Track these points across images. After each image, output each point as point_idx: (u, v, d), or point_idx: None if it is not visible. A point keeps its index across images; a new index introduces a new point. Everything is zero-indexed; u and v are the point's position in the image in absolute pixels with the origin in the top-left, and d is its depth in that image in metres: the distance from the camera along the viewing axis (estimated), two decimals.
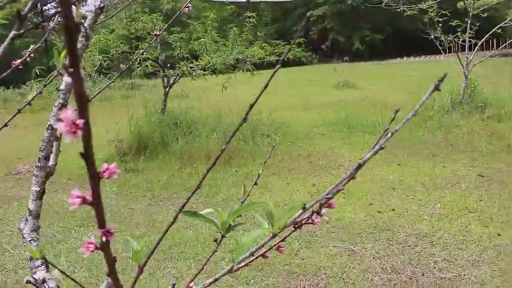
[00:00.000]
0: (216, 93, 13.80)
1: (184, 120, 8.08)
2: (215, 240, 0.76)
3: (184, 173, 6.28)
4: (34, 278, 0.97)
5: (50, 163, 1.09)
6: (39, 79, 6.63)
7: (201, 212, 0.73)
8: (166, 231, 0.65)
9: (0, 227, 4.74)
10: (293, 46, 8.32)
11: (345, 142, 7.21)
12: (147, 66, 7.07)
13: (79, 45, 1.00)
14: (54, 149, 1.10)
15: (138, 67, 7.17)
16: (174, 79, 7.97)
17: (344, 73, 15.76)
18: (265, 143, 7.51)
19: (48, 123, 1.10)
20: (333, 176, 5.64)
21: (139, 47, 7.27)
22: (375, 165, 5.87)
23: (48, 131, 1.09)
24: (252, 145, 7.30)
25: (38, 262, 1.00)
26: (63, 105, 1.05)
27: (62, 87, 1.07)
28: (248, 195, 0.91)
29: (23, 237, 1.05)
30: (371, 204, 4.57)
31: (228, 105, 11.16)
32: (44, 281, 0.97)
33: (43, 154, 1.08)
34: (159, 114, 8.04)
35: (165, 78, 8.06)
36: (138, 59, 7.24)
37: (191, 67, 7.05)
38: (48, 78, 1.19)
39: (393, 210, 4.36)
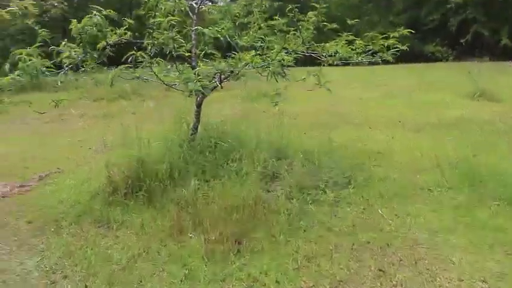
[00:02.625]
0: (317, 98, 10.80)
1: (220, 145, 5.53)
2: None
3: (152, 253, 3.74)
4: None
5: None
6: None
7: None
8: None
9: None
10: (394, 40, 5.25)
11: (460, 220, 4.02)
12: (155, 62, 4.59)
13: None
14: None
15: (147, 63, 4.70)
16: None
17: (483, 77, 11.88)
18: (323, 201, 4.60)
19: None
20: None
21: (152, 34, 4.81)
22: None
23: None
24: (296, 205, 4.47)
25: None
26: None
27: None
28: None
29: None
30: None
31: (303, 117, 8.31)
32: None
33: None
34: (184, 136, 5.64)
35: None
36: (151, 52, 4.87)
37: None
38: None
39: None
